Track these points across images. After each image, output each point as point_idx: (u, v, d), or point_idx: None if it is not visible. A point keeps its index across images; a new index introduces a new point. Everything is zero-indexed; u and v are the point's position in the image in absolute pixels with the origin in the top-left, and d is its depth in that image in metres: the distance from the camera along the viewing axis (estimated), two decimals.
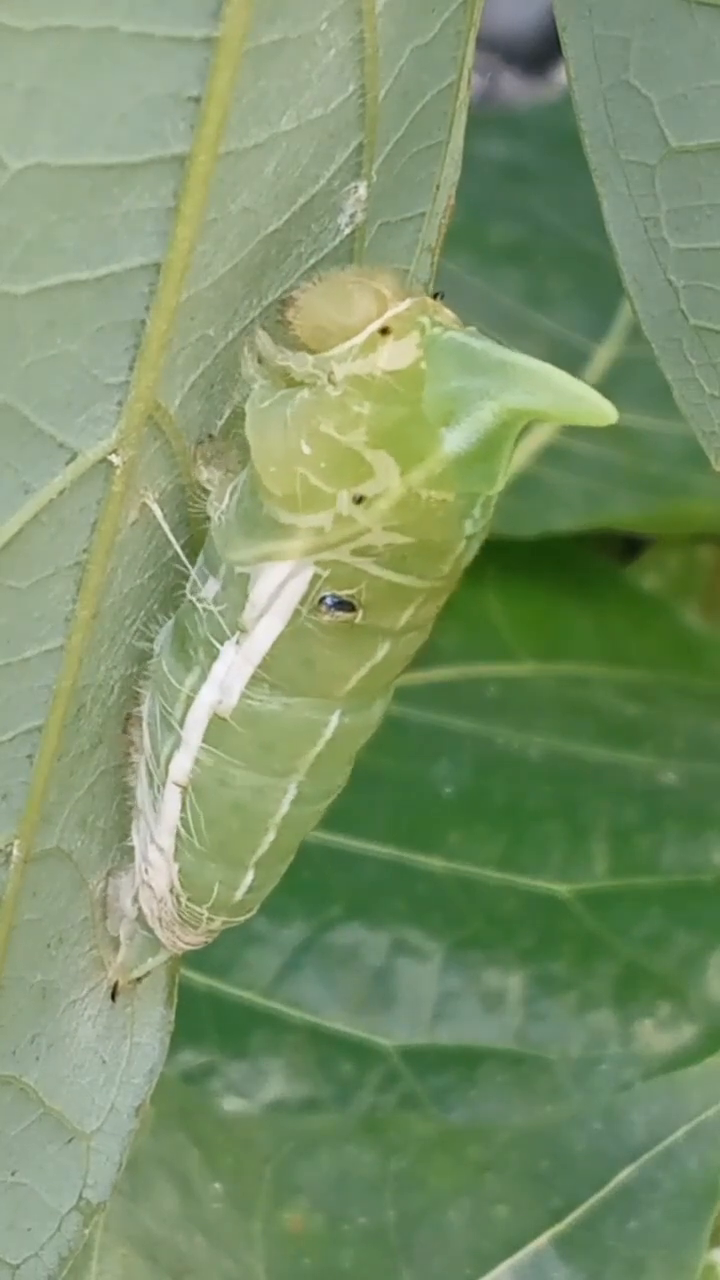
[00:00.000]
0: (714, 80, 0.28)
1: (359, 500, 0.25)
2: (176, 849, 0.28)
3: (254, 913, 0.30)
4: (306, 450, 0.25)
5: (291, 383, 0.25)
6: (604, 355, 0.70)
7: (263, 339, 0.25)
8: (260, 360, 0.25)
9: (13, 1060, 0.30)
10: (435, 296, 0.25)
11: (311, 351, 0.25)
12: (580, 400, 0.24)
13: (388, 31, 0.26)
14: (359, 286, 0.25)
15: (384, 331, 0.24)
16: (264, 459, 0.25)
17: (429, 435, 0.24)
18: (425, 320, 0.24)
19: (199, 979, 0.52)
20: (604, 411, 0.24)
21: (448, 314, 0.25)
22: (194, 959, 0.47)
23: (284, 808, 0.28)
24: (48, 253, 0.23)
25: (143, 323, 0.24)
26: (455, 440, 0.24)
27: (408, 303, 0.24)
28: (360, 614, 0.26)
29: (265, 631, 0.26)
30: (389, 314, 0.24)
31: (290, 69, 0.24)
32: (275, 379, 0.25)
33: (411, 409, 0.24)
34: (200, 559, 0.27)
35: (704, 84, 0.28)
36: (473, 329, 0.25)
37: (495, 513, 0.25)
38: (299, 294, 0.25)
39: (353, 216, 0.27)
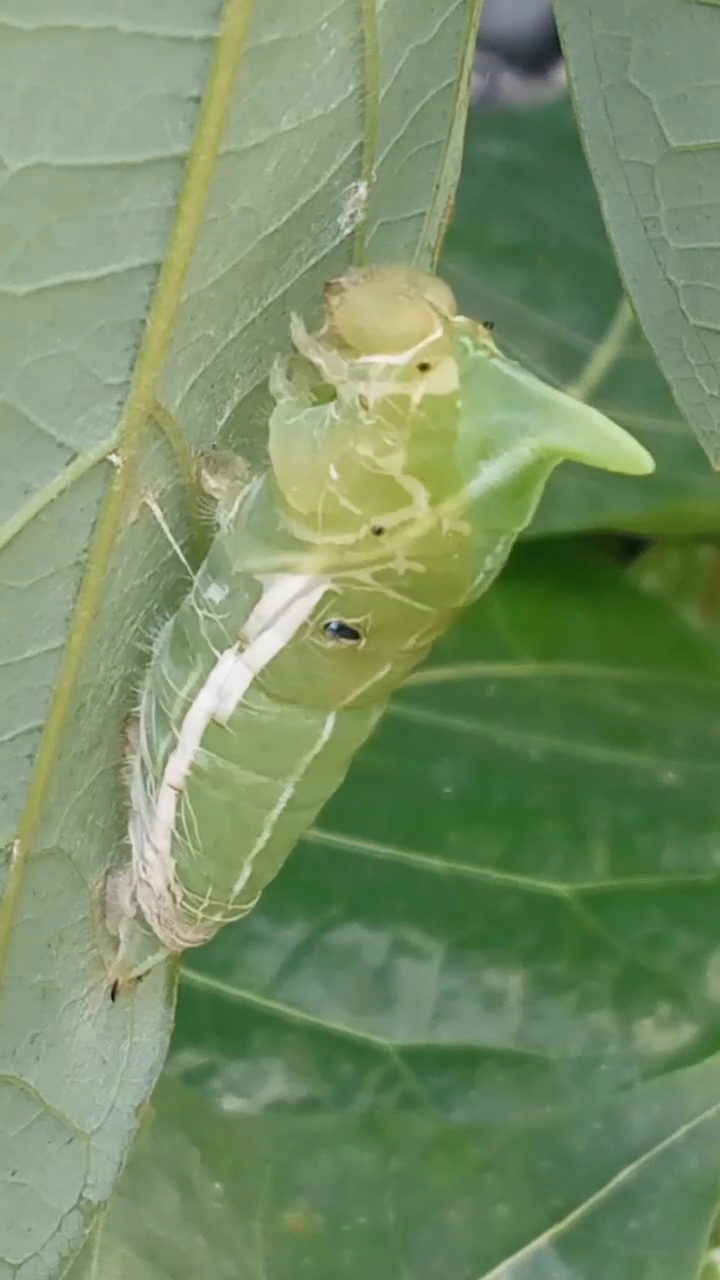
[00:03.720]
0: (714, 80, 0.28)
1: (379, 531, 0.24)
2: (172, 848, 0.28)
3: (250, 909, 0.30)
4: (335, 474, 0.24)
5: (317, 398, 0.25)
6: (604, 355, 0.70)
7: (297, 327, 0.25)
8: (294, 349, 0.25)
9: (13, 1060, 0.30)
10: (487, 326, 0.24)
11: (343, 349, 0.24)
12: (617, 446, 0.24)
13: (388, 31, 0.26)
14: (409, 301, 0.24)
15: (423, 367, 0.24)
16: (288, 476, 0.25)
17: (464, 467, 0.24)
18: (468, 342, 0.24)
19: (199, 979, 0.52)
20: (640, 460, 0.24)
21: (489, 342, 0.24)
22: (194, 959, 0.47)
23: (277, 811, 0.28)
24: (48, 253, 0.23)
25: (143, 323, 0.24)
26: (491, 474, 0.24)
27: (448, 328, 0.24)
28: (363, 641, 0.26)
29: (266, 644, 0.26)
30: (429, 341, 0.24)
31: (290, 69, 0.24)
32: (302, 395, 0.25)
33: (446, 440, 0.24)
34: (205, 564, 0.27)
35: (704, 84, 0.28)
36: (516, 362, 0.24)
37: None
38: (347, 283, 0.24)
39: (353, 216, 0.27)
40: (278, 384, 0.25)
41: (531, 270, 0.72)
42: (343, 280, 0.24)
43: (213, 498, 0.27)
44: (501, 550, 0.25)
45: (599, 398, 0.67)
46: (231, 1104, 0.51)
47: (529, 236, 0.74)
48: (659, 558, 0.70)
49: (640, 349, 0.66)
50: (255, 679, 0.26)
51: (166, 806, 0.28)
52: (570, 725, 0.59)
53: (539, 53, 0.92)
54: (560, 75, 0.86)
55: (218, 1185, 0.47)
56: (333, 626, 0.25)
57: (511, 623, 0.63)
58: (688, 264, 0.29)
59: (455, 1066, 0.52)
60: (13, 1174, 0.30)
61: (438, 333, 0.24)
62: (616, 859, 0.55)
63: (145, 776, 0.28)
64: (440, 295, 0.24)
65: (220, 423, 0.27)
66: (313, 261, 0.27)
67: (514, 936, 0.53)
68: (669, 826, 0.56)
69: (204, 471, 0.27)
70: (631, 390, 0.66)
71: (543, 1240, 0.46)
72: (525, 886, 0.54)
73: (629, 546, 0.70)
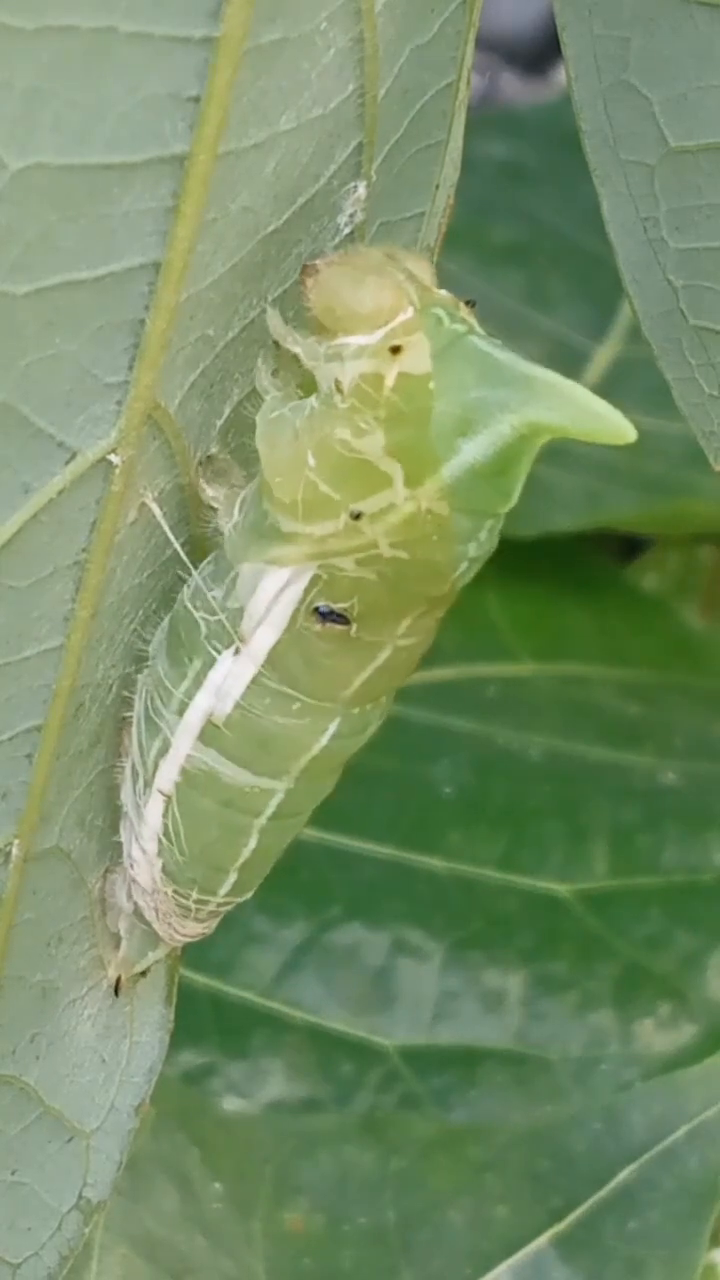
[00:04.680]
0: (714, 80, 0.28)
1: (357, 517, 0.24)
2: (159, 850, 0.28)
3: (245, 899, 0.29)
4: (313, 460, 0.24)
5: (304, 393, 0.25)
6: (604, 355, 0.70)
7: (273, 318, 0.25)
8: (274, 343, 0.25)
9: (12, 1060, 0.30)
10: (468, 304, 0.24)
11: (321, 334, 0.24)
12: (600, 418, 0.24)
13: (387, 31, 0.26)
14: (379, 278, 0.24)
15: (395, 350, 0.23)
16: (272, 468, 0.25)
17: (442, 446, 0.24)
18: (442, 314, 0.24)
19: (199, 979, 0.52)
20: (623, 430, 0.24)
21: (469, 318, 0.24)
22: (194, 959, 0.47)
23: (266, 816, 0.28)
24: (48, 253, 0.23)
25: (142, 322, 0.24)
26: (470, 453, 0.24)
27: (425, 300, 0.24)
28: (354, 626, 0.26)
29: (263, 639, 0.26)
30: (400, 320, 0.23)
31: (290, 69, 0.24)
32: (288, 390, 0.25)
33: (421, 420, 0.24)
34: (209, 567, 0.27)
35: (704, 84, 0.28)
36: (496, 339, 0.24)
37: None
38: (322, 264, 0.24)
39: (352, 216, 0.27)
40: (263, 380, 0.25)
41: (531, 270, 0.72)
42: (318, 262, 0.24)
43: (211, 507, 0.27)
44: (486, 536, 0.25)
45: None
46: (231, 1104, 0.51)
47: (529, 236, 0.74)
48: (659, 558, 0.70)
49: (640, 349, 0.66)
50: (257, 675, 0.26)
51: (154, 811, 0.28)
52: (570, 725, 0.59)
53: (539, 53, 0.92)
54: (560, 75, 0.86)
55: (218, 1185, 0.47)
56: (321, 609, 0.25)
57: (511, 623, 0.63)
58: (687, 264, 0.29)
59: (455, 1066, 0.52)
60: (13, 1173, 0.30)
61: (408, 312, 0.24)
62: (616, 859, 0.55)
63: (135, 780, 0.28)
64: (419, 268, 0.24)
65: (219, 422, 0.27)
66: None
67: (514, 936, 0.53)
68: (669, 826, 0.56)
69: (201, 481, 0.27)
70: (631, 390, 0.66)
71: (543, 1240, 0.46)
72: (525, 886, 0.54)
73: (629, 546, 0.70)
